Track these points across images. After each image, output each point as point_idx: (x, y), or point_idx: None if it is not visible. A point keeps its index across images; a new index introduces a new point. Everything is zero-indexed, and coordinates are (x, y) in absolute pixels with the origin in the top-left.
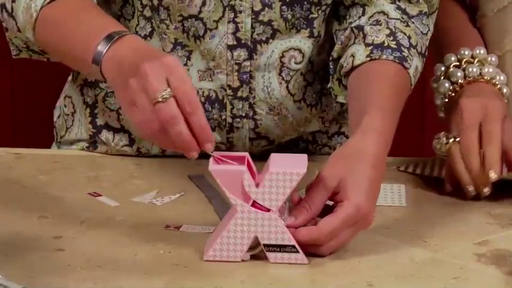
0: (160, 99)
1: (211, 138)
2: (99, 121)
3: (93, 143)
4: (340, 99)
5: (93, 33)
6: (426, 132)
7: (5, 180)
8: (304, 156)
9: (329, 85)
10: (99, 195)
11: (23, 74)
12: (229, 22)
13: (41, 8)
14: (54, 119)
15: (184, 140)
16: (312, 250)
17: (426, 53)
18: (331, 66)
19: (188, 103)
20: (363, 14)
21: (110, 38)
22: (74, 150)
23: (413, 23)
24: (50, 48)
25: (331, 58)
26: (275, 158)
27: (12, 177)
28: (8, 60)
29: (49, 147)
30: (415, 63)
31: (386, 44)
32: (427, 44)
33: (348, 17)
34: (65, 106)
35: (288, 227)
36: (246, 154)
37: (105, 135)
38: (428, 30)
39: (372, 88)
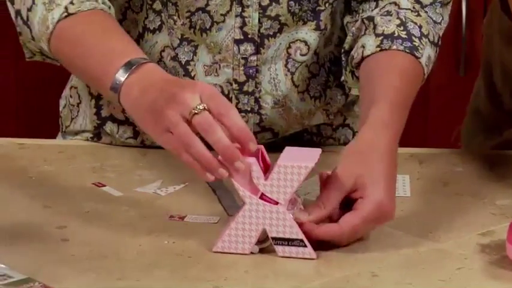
0: (195, 112)
1: (253, 137)
2: (104, 112)
3: (97, 134)
4: (354, 91)
5: (112, 58)
6: (429, 122)
7: (10, 170)
8: (318, 150)
9: (342, 78)
10: (104, 186)
11: (27, 64)
12: (236, 16)
13: (58, 21)
14: (60, 109)
15: (225, 146)
16: (327, 241)
17: (439, 42)
18: (343, 59)
19: (223, 107)
20: (376, 7)
21: (129, 65)
22: (79, 140)
23: (426, 12)
24: (65, 63)
25: (343, 50)
26: (288, 151)
27: (16, 167)
28: (12, 51)
29: (52, 137)
30: (427, 53)
31: (396, 34)
32: (440, 33)
33: (360, 11)
34: (71, 96)
35: (300, 222)
36: (261, 146)
37: (110, 126)
38: (442, 19)
39: (382, 80)
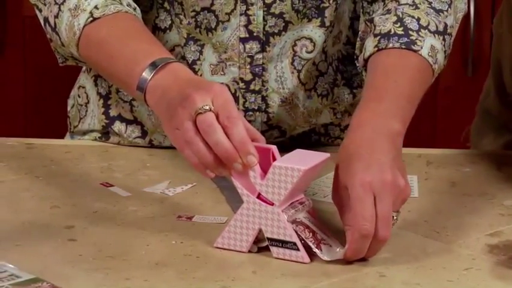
0: (200, 111)
1: (253, 151)
2: (112, 112)
3: (105, 133)
4: None
5: (137, 59)
6: (438, 122)
7: (18, 171)
8: (326, 155)
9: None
10: (111, 186)
11: (35, 65)
12: (241, 15)
13: (84, 26)
14: (68, 109)
15: (223, 149)
16: (379, 246)
17: (448, 29)
18: (357, 64)
19: (227, 117)
20: (383, 7)
21: (154, 66)
22: (87, 140)
23: (429, 3)
24: (93, 67)
25: (355, 56)
26: (295, 153)
27: (24, 167)
28: (20, 51)
29: (60, 137)
30: (429, 43)
31: (393, 31)
32: (447, 21)
33: (371, 12)
34: (79, 96)
35: (345, 254)
36: (273, 147)
37: (118, 126)
38: (449, 7)
39: (369, 81)
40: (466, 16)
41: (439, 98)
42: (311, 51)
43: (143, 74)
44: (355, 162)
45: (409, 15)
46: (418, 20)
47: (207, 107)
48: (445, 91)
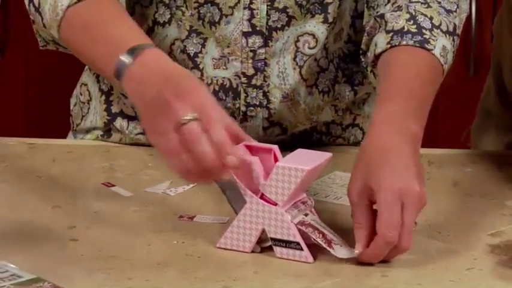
0: (184, 122)
1: (233, 151)
2: (114, 108)
3: (107, 131)
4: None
5: (116, 45)
6: (439, 122)
7: (19, 171)
8: (328, 154)
9: (369, 80)
10: (113, 186)
11: (37, 64)
12: (244, 8)
13: (68, 8)
14: (71, 107)
15: (209, 160)
16: (397, 253)
17: (457, 30)
18: (362, 59)
19: (207, 122)
20: (389, 2)
21: (131, 53)
22: (88, 140)
23: (438, 2)
24: (73, 50)
25: (361, 51)
26: (297, 153)
27: (25, 167)
28: (22, 50)
29: (63, 137)
30: (441, 43)
31: (406, 29)
32: (456, 22)
33: (375, 6)
34: (81, 94)
35: (361, 256)
36: (274, 146)
37: (120, 122)
38: (457, 7)
39: (387, 78)
40: (468, 16)
41: (441, 98)
42: (313, 47)
43: (120, 59)
44: (384, 166)
45: (422, 14)
46: (431, 19)
47: (190, 117)
48: (447, 91)
